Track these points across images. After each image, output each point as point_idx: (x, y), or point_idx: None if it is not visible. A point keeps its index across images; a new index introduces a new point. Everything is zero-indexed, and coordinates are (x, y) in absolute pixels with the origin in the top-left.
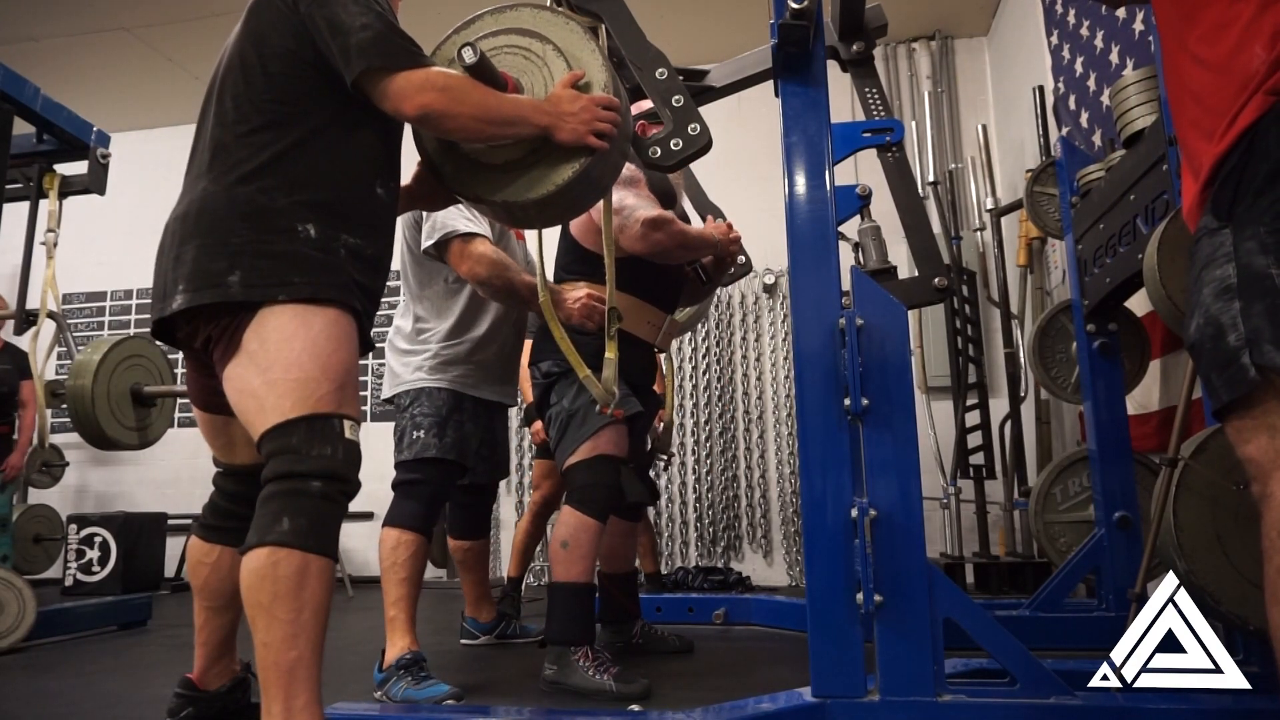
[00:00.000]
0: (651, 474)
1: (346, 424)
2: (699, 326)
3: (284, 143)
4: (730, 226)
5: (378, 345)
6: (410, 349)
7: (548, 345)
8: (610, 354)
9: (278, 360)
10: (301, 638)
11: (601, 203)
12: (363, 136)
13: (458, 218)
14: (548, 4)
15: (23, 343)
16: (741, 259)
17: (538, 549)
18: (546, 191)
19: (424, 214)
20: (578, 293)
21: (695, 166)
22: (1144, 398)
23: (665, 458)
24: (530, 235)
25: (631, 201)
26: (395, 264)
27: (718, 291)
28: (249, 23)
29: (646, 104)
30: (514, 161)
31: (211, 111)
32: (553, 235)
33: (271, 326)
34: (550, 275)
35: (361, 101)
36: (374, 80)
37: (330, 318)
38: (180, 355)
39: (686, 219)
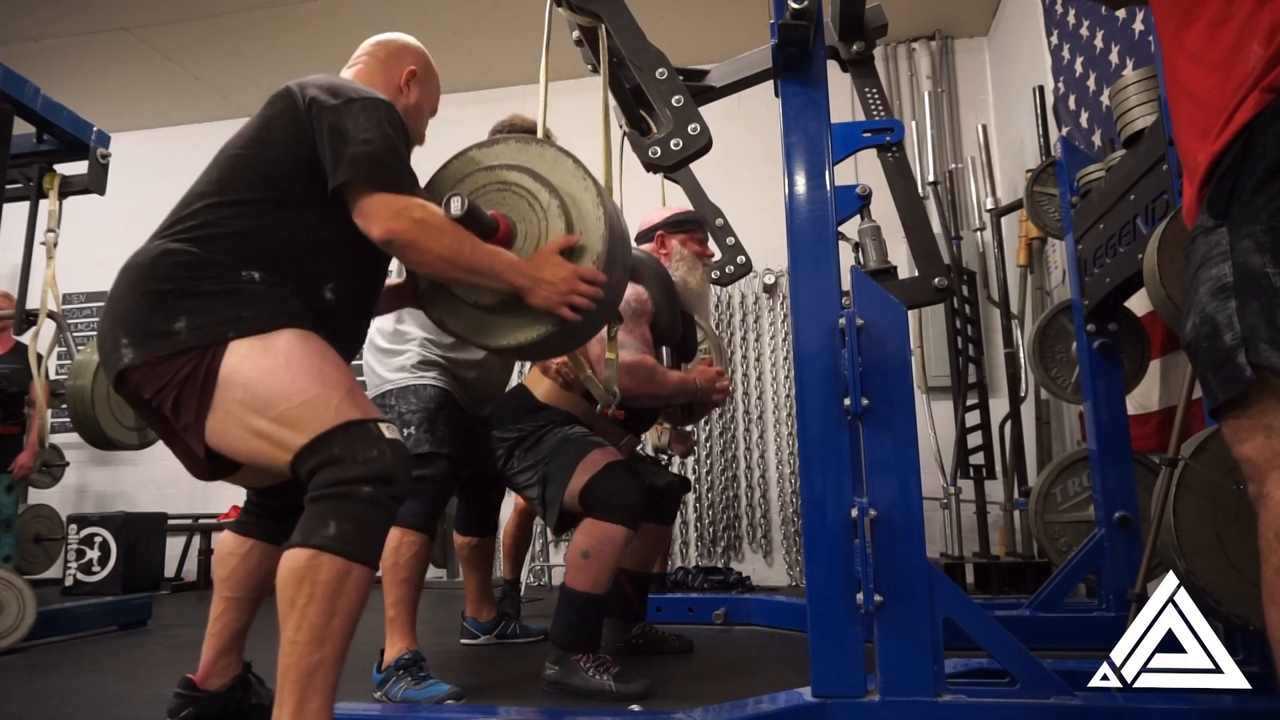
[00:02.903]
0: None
1: (383, 425)
2: None
3: (250, 222)
4: (721, 373)
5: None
6: (391, 348)
7: (509, 411)
8: (610, 355)
9: (273, 396)
10: (328, 643)
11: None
12: (332, 241)
13: None
14: (572, 156)
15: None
16: (741, 259)
17: (539, 548)
18: (507, 345)
19: None
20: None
21: (695, 166)
22: (1144, 398)
23: (667, 458)
24: None
25: (619, 338)
26: None
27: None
28: (266, 106)
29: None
30: (484, 305)
31: (201, 176)
32: None
33: (244, 371)
34: None
35: (341, 209)
36: (354, 193)
37: (293, 336)
38: None
39: (693, 343)
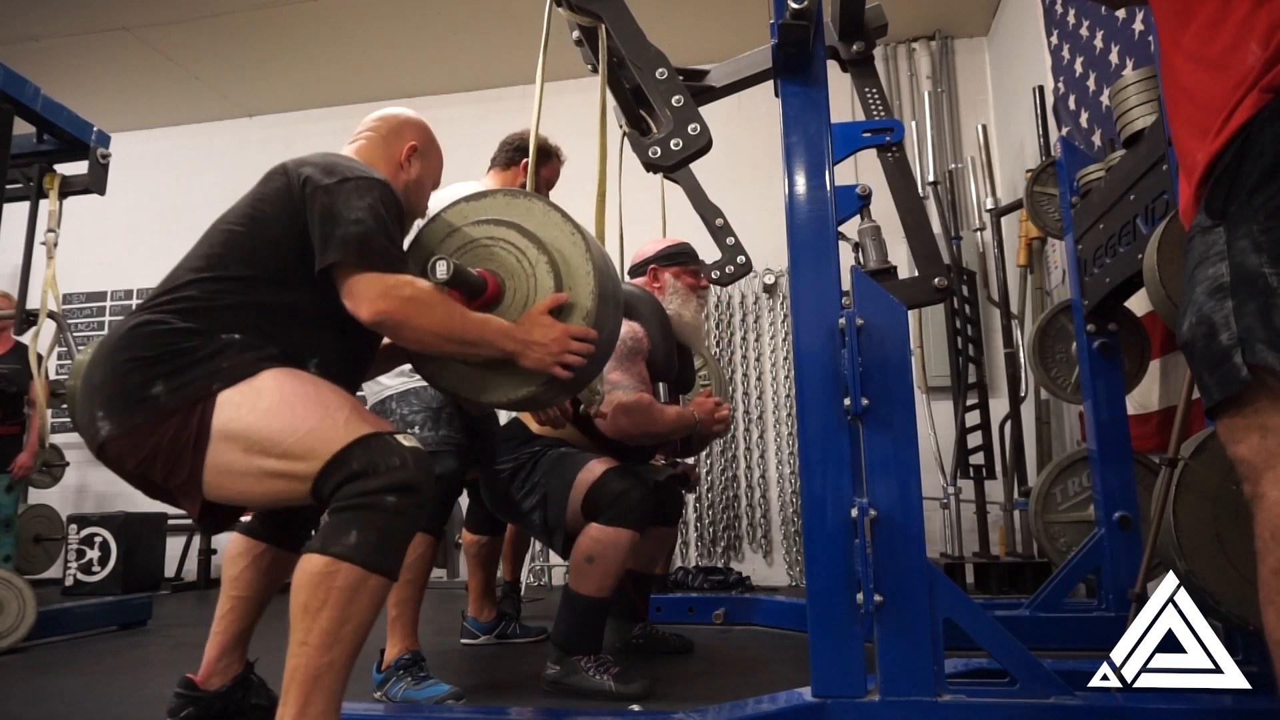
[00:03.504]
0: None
1: (399, 436)
2: None
3: (238, 298)
4: (719, 403)
5: None
6: None
7: (504, 444)
8: None
9: (276, 434)
10: (338, 648)
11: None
12: (317, 317)
13: None
14: (560, 209)
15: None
16: (741, 259)
17: (540, 548)
18: (498, 401)
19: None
20: None
21: (695, 166)
22: (1144, 398)
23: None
24: None
25: (615, 377)
26: None
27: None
28: (261, 183)
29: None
30: (475, 363)
31: (192, 250)
32: None
33: (240, 418)
34: None
35: (330, 288)
36: (342, 274)
37: (277, 373)
38: None
39: (691, 375)
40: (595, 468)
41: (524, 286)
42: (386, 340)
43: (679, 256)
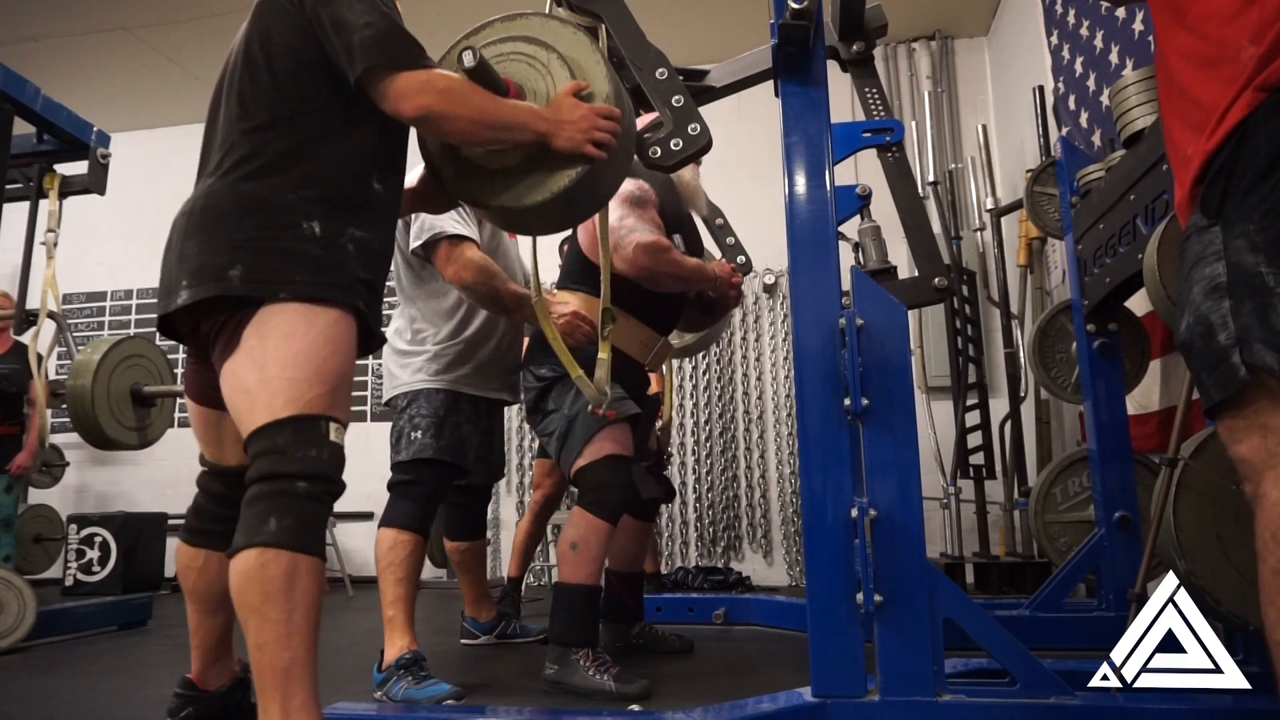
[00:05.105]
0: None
1: (333, 426)
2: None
3: (290, 140)
4: (734, 270)
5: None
6: (408, 350)
7: (544, 349)
8: (603, 354)
9: (274, 358)
10: (295, 638)
11: (599, 214)
12: (364, 133)
13: (448, 219)
14: (556, 13)
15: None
16: (741, 259)
17: (539, 549)
18: (542, 198)
19: (414, 215)
20: (565, 307)
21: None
22: (1144, 398)
23: (665, 457)
24: (524, 238)
25: (631, 222)
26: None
27: (730, 319)
28: (255, 20)
29: (650, 119)
30: (512, 167)
31: (220, 110)
32: (551, 241)
33: (273, 325)
34: (555, 282)
35: (363, 99)
36: (375, 79)
37: (331, 319)
38: (181, 356)
39: (699, 242)
40: (604, 446)
41: (542, 86)
42: (407, 184)
43: None
